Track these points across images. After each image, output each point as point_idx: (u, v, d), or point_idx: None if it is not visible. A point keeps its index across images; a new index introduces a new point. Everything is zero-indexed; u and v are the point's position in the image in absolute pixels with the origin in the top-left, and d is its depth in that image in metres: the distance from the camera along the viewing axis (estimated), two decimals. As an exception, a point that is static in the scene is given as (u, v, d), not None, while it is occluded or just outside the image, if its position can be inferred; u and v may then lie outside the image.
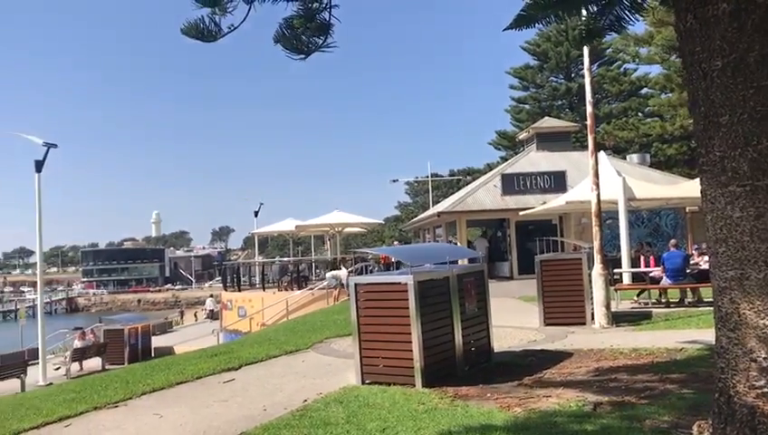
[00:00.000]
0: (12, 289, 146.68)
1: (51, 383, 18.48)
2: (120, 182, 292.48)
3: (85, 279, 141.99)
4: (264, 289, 27.17)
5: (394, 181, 59.92)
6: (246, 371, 9.71)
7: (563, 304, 12.11)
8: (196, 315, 54.44)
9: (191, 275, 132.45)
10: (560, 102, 53.15)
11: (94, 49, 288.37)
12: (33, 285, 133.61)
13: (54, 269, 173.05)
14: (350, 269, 24.89)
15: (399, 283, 7.59)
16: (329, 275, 24.87)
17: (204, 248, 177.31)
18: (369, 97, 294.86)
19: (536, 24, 5.35)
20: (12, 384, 18.34)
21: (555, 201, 21.01)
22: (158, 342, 27.29)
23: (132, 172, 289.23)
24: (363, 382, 7.75)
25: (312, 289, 25.36)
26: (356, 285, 7.96)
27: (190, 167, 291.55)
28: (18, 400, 11.51)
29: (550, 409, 6.10)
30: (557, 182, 26.40)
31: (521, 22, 5.23)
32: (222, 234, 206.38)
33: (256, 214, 40.80)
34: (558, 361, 8.71)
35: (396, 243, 28.41)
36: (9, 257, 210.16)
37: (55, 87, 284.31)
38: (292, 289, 25.92)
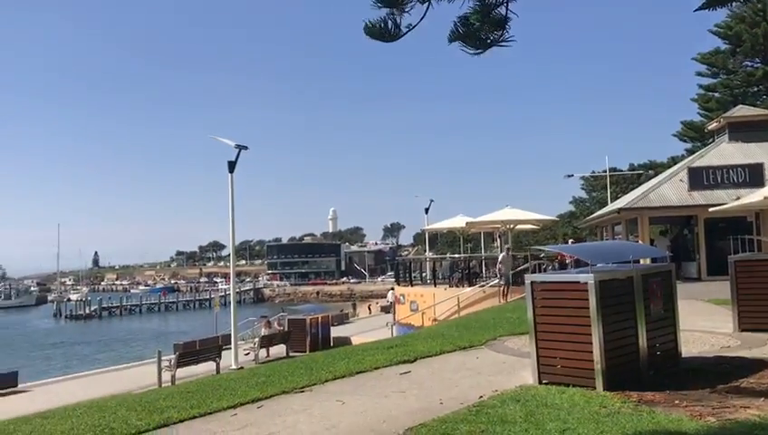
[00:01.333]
0: (206, 280, 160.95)
1: (242, 367, 20.03)
2: (301, 182, 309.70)
3: (270, 271, 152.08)
4: (435, 285, 27.51)
5: (569, 176, 57.83)
6: (421, 364, 9.89)
7: (762, 308, 11.06)
8: (369, 308, 56.38)
9: (365, 270, 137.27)
10: (755, 89, 48.64)
11: (282, 58, 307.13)
12: (225, 276, 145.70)
13: (243, 262, 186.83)
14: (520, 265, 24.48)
15: (579, 282, 7.36)
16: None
17: (376, 244, 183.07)
18: (545, 90, 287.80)
19: (731, 4, 4.93)
20: (209, 366, 20.14)
21: (751, 196, 19.23)
22: (336, 332, 28.59)
23: (312, 172, 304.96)
24: (540, 382, 7.61)
25: (482, 286, 25.28)
26: (532, 283, 7.83)
27: (364, 166, 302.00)
28: (215, 381, 12.57)
29: (749, 420, 5.61)
30: (753, 176, 24.23)
31: (714, 2, 4.85)
32: (393, 230, 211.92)
33: (427, 211, 41.39)
34: (757, 370, 7.98)
35: (570, 241, 27.51)
36: (204, 251, 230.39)
37: (247, 94, 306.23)
38: (463, 286, 25.99)
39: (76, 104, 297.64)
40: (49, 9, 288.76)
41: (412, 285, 28.77)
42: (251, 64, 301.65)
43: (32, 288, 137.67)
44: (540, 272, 20.19)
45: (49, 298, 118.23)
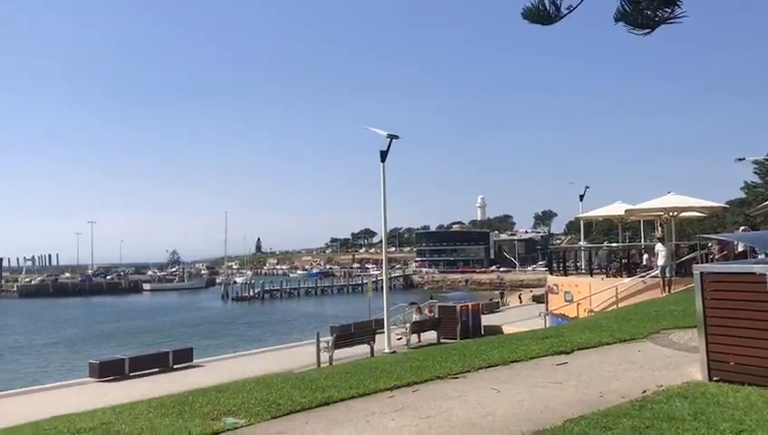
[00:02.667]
0: (358, 265, 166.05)
1: (394, 351, 20.51)
2: (448, 170, 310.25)
3: (419, 259, 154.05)
4: (591, 275, 26.56)
5: (740, 160, 53.34)
6: (578, 355, 9.63)
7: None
8: (520, 298, 55.54)
9: (515, 259, 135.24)
10: None
11: (431, 46, 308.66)
12: (376, 262, 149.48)
13: (393, 249, 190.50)
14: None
15: (755, 273, 6.82)
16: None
17: (526, 232, 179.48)
18: (711, 64, 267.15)
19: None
20: (363, 349, 20.81)
21: None
22: (486, 320, 28.47)
23: (460, 160, 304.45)
24: (710, 379, 7.15)
25: (643, 277, 24.05)
26: (702, 274, 7.35)
27: (513, 152, 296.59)
28: (371, 363, 12.98)
29: None
30: None
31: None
32: (545, 218, 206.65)
33: (581, 197, 39.97)
34: None
35: (741, 229, 25.43)
36: (356, 237, 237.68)
37: (398, 83, 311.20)
38: (621, 276, 24.88)
39: (251, 97, 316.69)
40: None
41: (566, 275, 27.97)
42: (401, 53, 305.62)
43: (202, 272, 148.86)
44: (707, 262, 18.85)
45: (217, 281, 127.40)
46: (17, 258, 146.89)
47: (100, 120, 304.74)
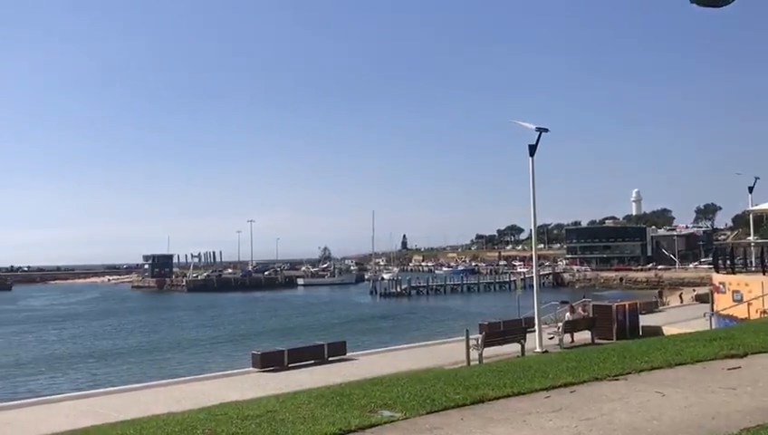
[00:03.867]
0: (505, 263, 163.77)
1: (546, 351, 20.02)
2: (600, 162, 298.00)
3: (569, 256, 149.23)
4: (764, 273, 24.45)
5: None
6: (753, 360, 8.93)
7: None
8: (681, 297, 52.24)
9: (674, 255, 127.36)
10: None
11: (576, 38, 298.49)
12: (523, 259, 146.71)
13: (541, 246, 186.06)
14: None
15: None
16: None
17: (687, 227, 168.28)
18: None
19: None
20: (512, 348, 20.50)
21: None
22: (644, 320, 27.05)
23: (612, 151, 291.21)
24: None
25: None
26: None
27: (672, 142, 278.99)
28: (524, 362, 12.79)
29: None
30: None
31: None
32: (707, 212, 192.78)
33: (751, 190, 36.87)
34: None
35: None
36: (502, 234, 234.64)
37: (546, 76, 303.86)
38: (801, 275, 22.70)
39: (396, 97, 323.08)
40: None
41: (734, 273, 25.94)
42: (547, 44, 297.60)
43: (351, 268, 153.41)
44: None
45: (365, 277, 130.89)
46: (185, 255, 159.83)
47: (252, 129, 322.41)
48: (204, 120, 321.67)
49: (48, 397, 18.61)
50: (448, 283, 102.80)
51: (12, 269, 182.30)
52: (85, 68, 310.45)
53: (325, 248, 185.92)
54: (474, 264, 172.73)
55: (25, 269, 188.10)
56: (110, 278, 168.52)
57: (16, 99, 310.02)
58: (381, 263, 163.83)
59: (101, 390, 19.09)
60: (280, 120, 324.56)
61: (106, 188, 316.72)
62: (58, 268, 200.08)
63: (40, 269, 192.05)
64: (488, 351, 19.35)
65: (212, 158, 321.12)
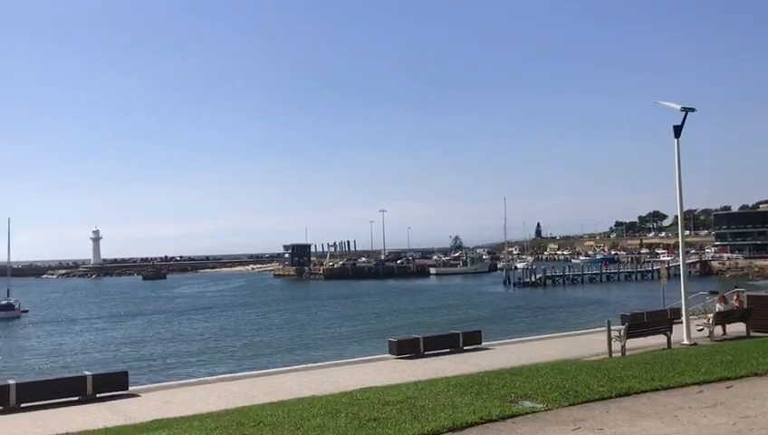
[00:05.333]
0: (647, 251, 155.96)
1: (695, 343, 18.91)
2: (752, 143, 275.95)
3: (718, 243, 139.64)
4: None
5: None
6: None
7: None
8: None
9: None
10: None
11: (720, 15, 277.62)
12: (667, 247, 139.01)
13: (686, 232, 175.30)
14: None
15: None
16: None
17: None
18: None
19: None
20: (657, 340, 19.53)
21: None
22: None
23: (764, 132, 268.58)
24: None
25: None
26: None
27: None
28: (672, 355, 12.18)
29: None
30: None
31: None
32: None
33: None
34: None
35: None
36: (644, 221, 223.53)
37: (686, 56, 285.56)
38: None
39: (514, 82, 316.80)
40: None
41: None
42: (688, 23, 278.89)
43: (483, 257, 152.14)
44: None
45: (498, 266, 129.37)
46: (322, 244, 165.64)
47: (383, 120, 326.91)
48: (338, 112, 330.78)
49: (201, 378, 19.95)
50: (586, 272, 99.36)
51: (166, 259, 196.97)
52: (223, 70, 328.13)
53: (456, 237, 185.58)
54: (613, 252, 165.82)
55: (178, 259, 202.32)
56: (254, 267, 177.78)
57: (173, 101, 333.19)
58: (515, 252, 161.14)
59: (249, 373, 20.19)
60: (410, 110, 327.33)
61: (249, 182, 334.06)
62: (207, 258, 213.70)
63: (191, 259, 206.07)
64: (631, 342, 18.57)
65: (345, 149, 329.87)
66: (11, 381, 15.28)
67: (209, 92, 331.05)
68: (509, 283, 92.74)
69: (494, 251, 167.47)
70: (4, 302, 61.06)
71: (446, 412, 7.80)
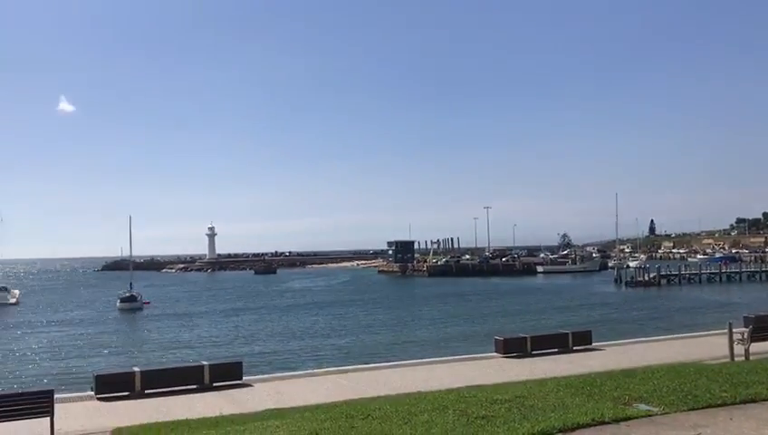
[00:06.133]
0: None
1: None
2: None
3: None
4: None
5: None
6: None
7: None
8: None
9: None
10: None
11: None
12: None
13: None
14: None
15: None
16: None
17: None
18: None
19: None
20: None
21: None
22: None
23: None
24: None
25: None
26: None
27: None
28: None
29: None
30: None
31: None
32: None
33: None
34: None
35: None
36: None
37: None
38: None
39: (608, 82, 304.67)
40: None
41: None
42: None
43: (594, 255, 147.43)
44: None
45: (609, 264, 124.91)
46: (425, 241, 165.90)
47: (490, 116, 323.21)
48: (440, 109, 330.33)
49: (311, 371, 20.50)
50: (704, 271, 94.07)
51: (276, 254, 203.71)
52: (325, 70, 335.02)
53: (564, 235, 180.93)
54: (734, 251, 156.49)
55: (287, 254, 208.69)
56: (359, 263, 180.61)
57: (278, 101, 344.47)
58: (626, 250, 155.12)
59: (356, 366, 20.56)
60: (515, 105, 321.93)
61: (351, 180, 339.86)
62: (314, 253, 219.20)
63: (299, 254, 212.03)
64: (756, 346, 17.45)
65: (450, 147, 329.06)
66: (136, 369, 16.28)
67: (314, 93, 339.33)
68: (620, 282, 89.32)
69: (605, 249, 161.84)
70: (127, 294, 65.10)
71: (557, 413, 7.64)
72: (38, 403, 11.25)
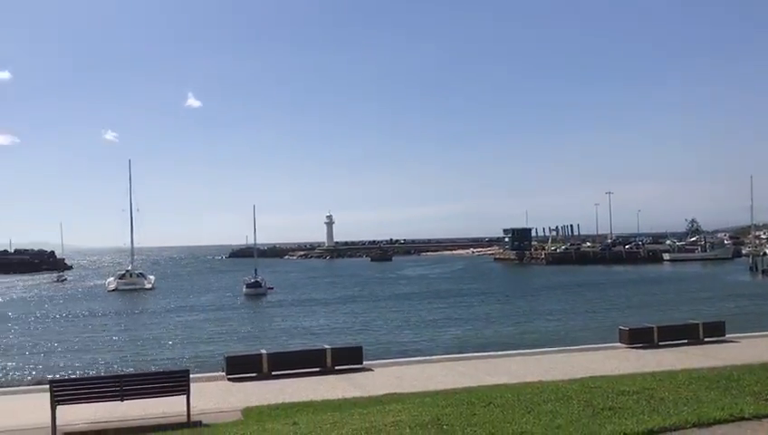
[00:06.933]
0: None
1: None
2: None
3: None
4: None
5: None
6: None
7: None
8: None
9: None
10: None
11: None
12: None
13: None
14: None
15: None
16: None
17: None
18: None
19: None
20: None
21: None
22: None
23: None
24: None
25: None
26: None
27: None
28: None
29: None
30: None
31: None
32: None
33: None
34: None
35: None
36: None
37: None
38: None
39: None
40: None
41: None
42: None
43: (725, 241, 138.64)
44: None
45: (742, 252, 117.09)
46: (543, 228, 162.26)
47: (608, 96, 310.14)
48: (560, 92, 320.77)
49: (428, 357, 20.63)
50: None
51: (391, 242, 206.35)
52: (455, 58, 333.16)
53: (693, 221, 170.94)
54: None
55: (402, 242, 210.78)
56: (474, 250, 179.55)
57: (398, 91, 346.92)
58: (762, 236, 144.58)
59: (474, 354, 20.49)
60: (639, 83, 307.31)
61: (467, 167, 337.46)
62: (428, 241, 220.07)
63: (413, 242, 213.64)
64: None
65: (568, 130, 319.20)
66: (263, 351, 17.03)
67: (442, 82, 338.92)
68: (756, 270, 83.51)
69: (738, 236, 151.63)
70: (252, 280, 68.10)
71: (690, 406, 7.27)
72: (176, 382, 12.01)
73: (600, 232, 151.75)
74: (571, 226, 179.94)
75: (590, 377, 12.13)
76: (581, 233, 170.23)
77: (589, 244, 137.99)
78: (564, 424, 7.15)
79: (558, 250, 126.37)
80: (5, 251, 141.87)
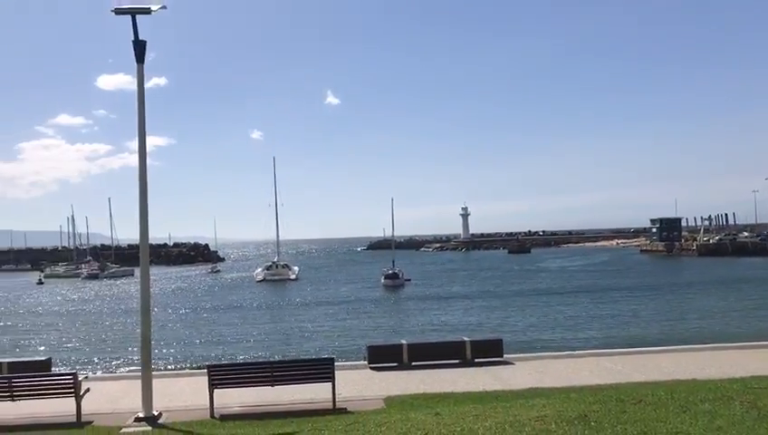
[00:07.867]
0: None
1: None
2: None
3: None
4: None
5: None
6: None
7: None
8: None
9: None
10: None
11: None
12: None
13: None
14: None
15: None
16: None
17: None
18: None
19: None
20: None
21: None
22: None
23: None
24: None
25: None
26: None
27: None
28: None
29: None
30: None
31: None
32: None
33: None
34: None
35: None
36: None
37: None
38: None
39: None
40: None
41: None
42: None
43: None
44: None
45: None
46: (694, 217, 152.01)
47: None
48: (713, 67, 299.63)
49: (572, 351, 20.02)
50: None
51: (529, 234, 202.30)
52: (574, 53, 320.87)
53: None
54: None
55: (540, 234, 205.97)
56: (618, 242, 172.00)
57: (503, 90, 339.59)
58: None
59: (621, 349, 19.66)
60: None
61: (610, 156, 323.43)
62: (569, 232, 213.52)
63: (553, 233, 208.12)
64: None
65: (724, 111, 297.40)
66: (403, 342, 17.28)
67: (569, 76, 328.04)
68: None
69: None
70: (390, 272, 69.30)
71: None
72: (322, 370, 12.48)
73: (759, 221, 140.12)
74: (726, 214, 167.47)
75: (753, 377, 11.25)
76: (738, 223, 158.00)
77: (746, 234, 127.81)
78: (725, 426, 6.67)
79: (711, 241, 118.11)
80: (165, 244, 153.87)
